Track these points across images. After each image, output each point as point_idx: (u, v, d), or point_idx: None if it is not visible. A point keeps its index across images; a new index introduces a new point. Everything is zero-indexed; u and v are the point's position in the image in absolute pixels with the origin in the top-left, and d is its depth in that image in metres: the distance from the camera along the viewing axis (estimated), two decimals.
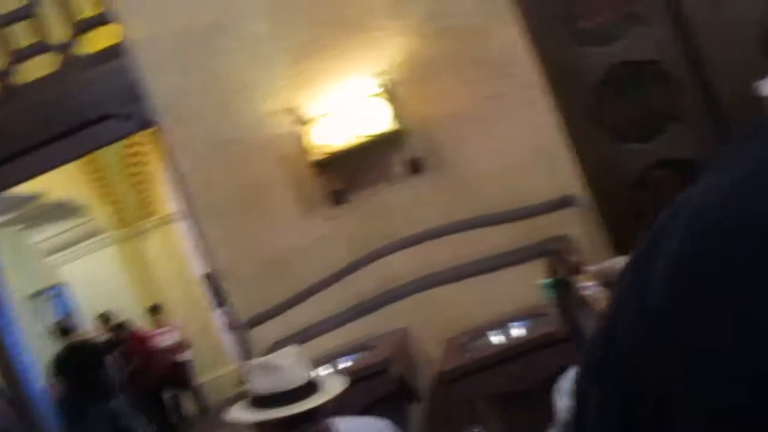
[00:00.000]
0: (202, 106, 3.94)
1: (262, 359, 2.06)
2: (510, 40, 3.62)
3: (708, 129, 3.82)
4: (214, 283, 10.42)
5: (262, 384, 1.98)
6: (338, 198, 3.81)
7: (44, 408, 4.74)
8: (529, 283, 3.38)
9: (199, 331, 9.89)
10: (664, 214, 0.49)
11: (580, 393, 0.54)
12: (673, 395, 0.44)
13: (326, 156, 3.71)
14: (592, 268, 1.67)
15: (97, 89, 4.34)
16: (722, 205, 0.45)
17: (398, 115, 3.67)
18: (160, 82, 3.92)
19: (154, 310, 9.30)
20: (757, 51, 3.69)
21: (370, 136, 3.69)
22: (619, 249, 3.38)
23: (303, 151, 3.74)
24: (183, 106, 3.93)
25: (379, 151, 3.75)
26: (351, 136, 3.69)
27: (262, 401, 1.97)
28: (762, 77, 3.53)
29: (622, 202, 3.94)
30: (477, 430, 1.89)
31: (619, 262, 2.02)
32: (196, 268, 10.38)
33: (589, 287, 1.61)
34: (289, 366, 1.98)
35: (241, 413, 2.06)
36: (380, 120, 3.68)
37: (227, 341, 10.21)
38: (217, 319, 10.21)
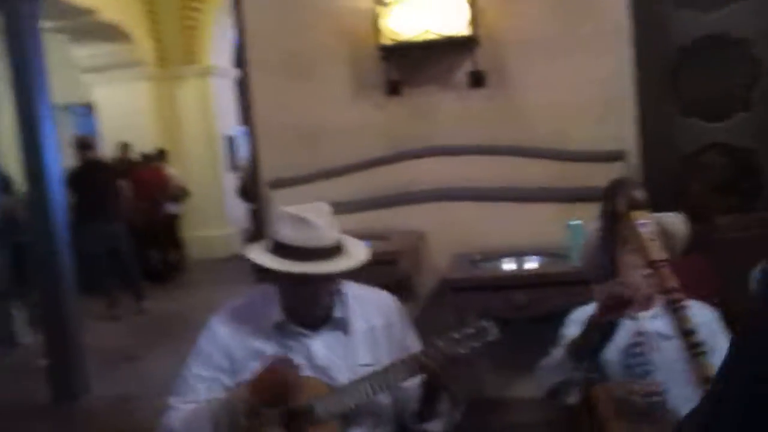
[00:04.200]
0: None
1: (295, 210, 2.01)
2: None
3: None
4: (233, 146, 10.49)
5: (291, 235, 1.95)
6: (392, 88, 3.75)
7: (60, 216, 4.79)
8: (556, 223, 3.38)
9: (205, 189, 9.95)
10: None
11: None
12: None
13: (393, 43, 3.63)
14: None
15: None
16: None
17: (474, 22, 3.57)
18: None
19: (160, 154, 9.34)
20: None
21: (441, 35, 3.60)
22: None
23: (371, 32, 3.66)
24: None
25: (445, 52, 3.67)
26: (423, 30, 3.60)
27: (286, 251, 1.94)
28: None
29: (669, 173, 3.89)
30: (488, 323, 1.88)
31: (671, 217, 2.00)
32: (221, 127, 10.38)
33: (645, 225, 1.59)
34: (321, 224, 1.96)
35: (264, 257, 1.99)
36: (456, 22, 3.58)
37: (228, 205, 10.32)
38: (226, 181, 10.28)
